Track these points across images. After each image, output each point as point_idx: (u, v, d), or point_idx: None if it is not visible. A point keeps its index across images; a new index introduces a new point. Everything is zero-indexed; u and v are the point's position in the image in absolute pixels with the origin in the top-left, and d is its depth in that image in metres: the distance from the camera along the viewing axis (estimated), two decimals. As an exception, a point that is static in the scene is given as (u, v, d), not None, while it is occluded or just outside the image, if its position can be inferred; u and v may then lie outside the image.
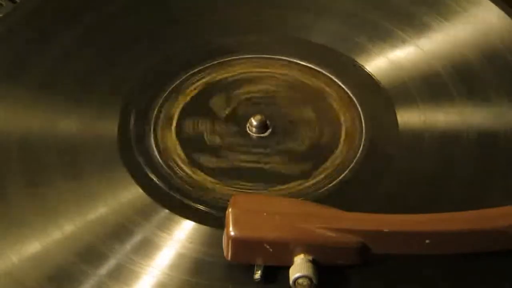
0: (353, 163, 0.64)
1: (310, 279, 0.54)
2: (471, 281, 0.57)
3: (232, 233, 0.54)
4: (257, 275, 0.55)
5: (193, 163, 0.64)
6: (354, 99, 0.68)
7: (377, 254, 0.56)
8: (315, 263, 0.54)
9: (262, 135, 0.66)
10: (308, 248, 0.54)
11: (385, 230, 0.54)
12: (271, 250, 0.54)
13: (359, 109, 0.67)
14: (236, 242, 0.54)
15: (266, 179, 0.63)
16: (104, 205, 0.61)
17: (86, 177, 0.62)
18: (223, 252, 0.56)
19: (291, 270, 0.54)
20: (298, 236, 0.54)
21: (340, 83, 0.69)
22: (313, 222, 0.54)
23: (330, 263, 0.55)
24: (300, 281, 0.54)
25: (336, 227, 0.54)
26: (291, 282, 0.54)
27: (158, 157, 0.64)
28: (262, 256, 0.55)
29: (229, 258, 0.55)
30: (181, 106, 0.68)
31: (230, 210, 0.55)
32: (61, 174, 0.62)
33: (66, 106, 0.67)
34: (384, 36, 0.72)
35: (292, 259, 0.54)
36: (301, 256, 0.54)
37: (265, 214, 0.54)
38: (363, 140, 0.65)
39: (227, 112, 0.67)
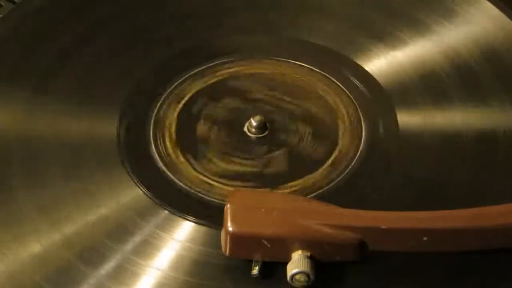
0: (353, 163, 0.64)
1: (307, 275, 0.54)
2: (470, 279, 0.57)
3: (230, 229, 0.54)
4: (255, 270, 0.55)
5: (193, 164, 0.64)
6: (354, 99, 0.68)
7: (375, 251, 0.55)
8: (313, 259, 0.54)
9: (261, 135, 0.66)
10: (306, 244, 0.54)
11: (383, 226, 0.54)
12: (269, 246, 0.54)
13: (359, 109, 0.67)
14: (234, 238, 0.54)
15: (265, 179, 0.63)
16: (103, 205, 0.61)
17: (86, 178, 0.62)
18: (222, 251, 0.56)
19: (288, 266, 0.54)
20: (296, 232, 0.54)
21: (339, 84, 0.69)
22: (311, 218, 0.54)
23: (328, 260, 0.55)
24: (297, 277, 0.54)
25: (334, 224, 0.54)
26: (288, 278, 0.54)
27: (157, 157, 0.64)
28: (260, 251, 0.55)
29: (227, 253, 0.55)
30: (180, 107, 0.68)
31: (228, 205, 0.55)
32: (61, 174, 0.63)
33: (66, 106, 0.67)
34: (384, 36, 0.73)
35: (290, 255, 0.54)
36: (299, 252, 0.54)
37: (263, 210, 0.54)
38: (363, 140, 0.65)
39: (226, 113, 0.68)
